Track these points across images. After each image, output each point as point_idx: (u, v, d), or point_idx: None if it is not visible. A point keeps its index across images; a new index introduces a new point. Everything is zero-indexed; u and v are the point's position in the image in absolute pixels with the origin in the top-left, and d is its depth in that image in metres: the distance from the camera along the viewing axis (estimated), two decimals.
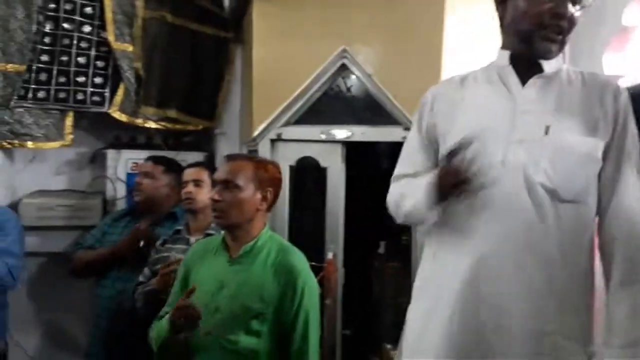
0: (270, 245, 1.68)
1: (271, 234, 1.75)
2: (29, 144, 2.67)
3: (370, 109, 2.49)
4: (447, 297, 1.22)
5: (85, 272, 2.37)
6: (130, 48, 2.76)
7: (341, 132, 2.50)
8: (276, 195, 1.74)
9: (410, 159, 1.39)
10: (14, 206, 2.67)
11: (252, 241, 1.66)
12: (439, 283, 1.26)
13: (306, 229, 2.66)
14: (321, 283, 2.45)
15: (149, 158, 2.49)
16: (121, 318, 2.22)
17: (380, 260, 2.81)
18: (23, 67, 2.61)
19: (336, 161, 2.54)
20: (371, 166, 3.10)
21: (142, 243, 2.22)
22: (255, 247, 1.66)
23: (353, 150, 2.60)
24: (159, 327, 1.63)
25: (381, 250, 2.84)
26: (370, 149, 3.05)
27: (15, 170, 2.80)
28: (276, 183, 1.74)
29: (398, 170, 1.41)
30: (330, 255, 2.51)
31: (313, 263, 2.27)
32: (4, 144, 2.62)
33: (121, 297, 2.23)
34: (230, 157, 1.77)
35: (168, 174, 2.39)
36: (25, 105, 2.62)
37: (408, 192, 1.30)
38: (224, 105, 3.00)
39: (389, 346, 2.55)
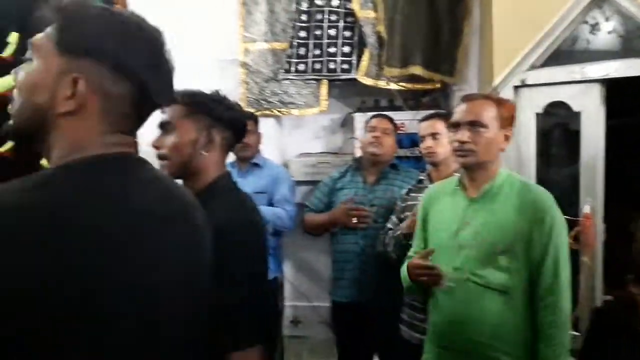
0: (510, 184, 1.63)
1: (509, 172, 1.69)
2: (294, 111, 3.11)
3: (634, 40, 2.13)
4: None
5: (317, 232, 2.59)
6: (372, 14, 2.94)
7: (599, 69, 2.20)
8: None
9: None
10: (284, 165, 3.14)
11: (490, 180, 1.64)
12: None
13: (557, 182, 2.45)
14: (577, 239, 2.24)
15: (379, 115, 2.61)
16: (367, 260, 2.42)
17: None
18: (286, 44, 3.04)
19: (593, 103, 2.25)
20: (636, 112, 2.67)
21: (354, 220, 2.38)
22: (495, 186, 1.63)
23: (612, 96, 2.27)
24: (404, 272, 1.71)
25: None
26: (634, 93, 2.62)
27: (283, 135, 3.28)
28: (513, 122, 1.69)
29: None
30: (587, 209, 2.26)
31: (567, 217, 2.10)
32: (276, 112, 3.10)
33: (363, 243, 2.43)
34: (469, 97, 1.73)
35: (395, 130, 2.56)
36: (289, 77, 3.05)
37: None
38: (463, 60, 2.96)
39: None
